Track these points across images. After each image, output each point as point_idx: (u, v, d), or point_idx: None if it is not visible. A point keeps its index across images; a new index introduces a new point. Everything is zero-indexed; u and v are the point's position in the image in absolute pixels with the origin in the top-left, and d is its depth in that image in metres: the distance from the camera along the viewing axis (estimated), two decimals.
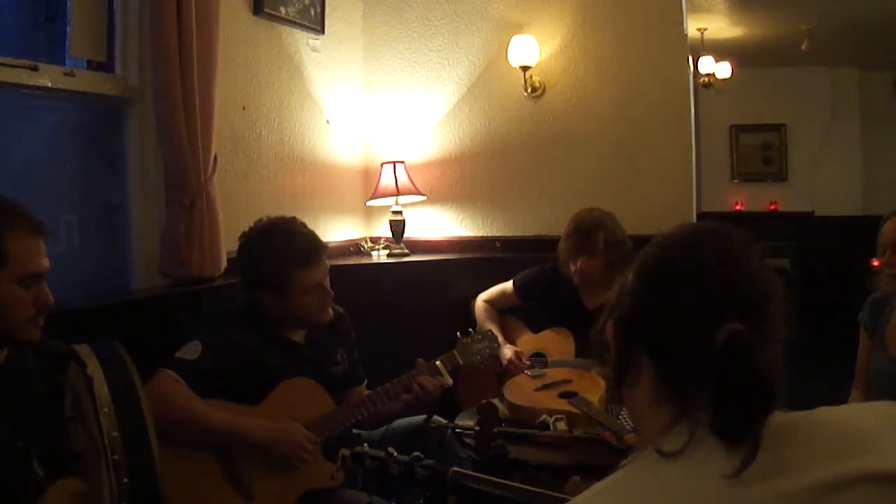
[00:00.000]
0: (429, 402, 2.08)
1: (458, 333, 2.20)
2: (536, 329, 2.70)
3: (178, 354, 1.85)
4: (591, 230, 2.50)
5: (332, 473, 1.87)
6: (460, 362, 2.13)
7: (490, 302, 2.80)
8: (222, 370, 1.87)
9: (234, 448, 1.84)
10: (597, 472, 1.09)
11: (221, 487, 1.82)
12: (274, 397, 1.93)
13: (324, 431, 1.93)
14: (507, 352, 2.52)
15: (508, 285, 2.79)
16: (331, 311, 2.07)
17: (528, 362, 2.49)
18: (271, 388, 1.93)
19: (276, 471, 1.86)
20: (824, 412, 0.80)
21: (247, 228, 2.08)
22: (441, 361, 2.10)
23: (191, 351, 1.85)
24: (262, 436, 1.83)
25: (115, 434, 1.15)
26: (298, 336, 2.08)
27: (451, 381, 2.10)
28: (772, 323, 0.79)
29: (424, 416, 2.12)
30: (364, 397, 2.06)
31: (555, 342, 2.57)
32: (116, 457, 1.14)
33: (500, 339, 2.60)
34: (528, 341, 2.66)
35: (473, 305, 2.85)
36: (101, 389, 1.18)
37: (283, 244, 1.98)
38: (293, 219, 2.08)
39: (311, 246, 2.01)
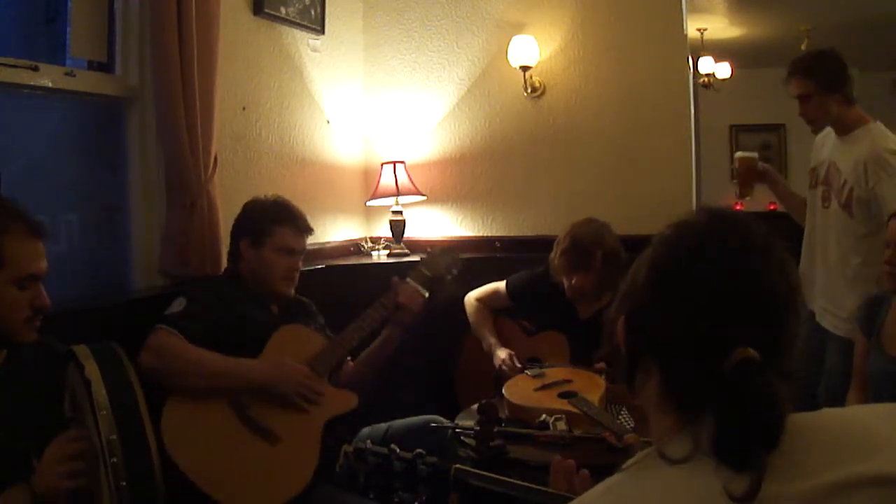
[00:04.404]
0: (413, 320, 2.19)
1: (422, 255, 2.35)
2: (531, 333, 2.70)
3: (166, 311, 1.96)
4: (589, 248, 2.45)
5: (348, 398, 1.99)
6: (428, 274, 2.26)
7: (481, 301, 2.79)
8: (210, 316, 1.97)
9: (245, 398, 1.90)
10: (597, 471, 1.09)
11: (245, 437, 1.87)
12: (271, 348, 2.00)
13: (325, 365, 2.02)
14: (501, 353, 2.52)
15: (501, 286, 2.77)
16: (293, 290, 2.18)
17: (520, 365, 2.48)
18: (260, 339, 2.01)
19: (292, 410, 1.93)
20: (829, 414, 0.78)
21: None
22: (410, 277, 2.24)
23: (177, 304, 1.98)
24: (260, 375, 1.93)
25: (114, 437, 1.15)
26: (274, 308, 2.17)
27: (426, 293, 2.23)
28: (788, 344, 0.75)
29: (426, 418, 2.14)
30: (352, 324, 2.13)
31: (550, 347, 2.56)
32: (115, 459, 1.14)
33: (494, 340, 2.61)
34: (523, 345, 2.65)
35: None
36: (100, 392, 1.18)
37: (277, 204, 2.20)
38: None
39: (301, 216, 2.20)
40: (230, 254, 2.22)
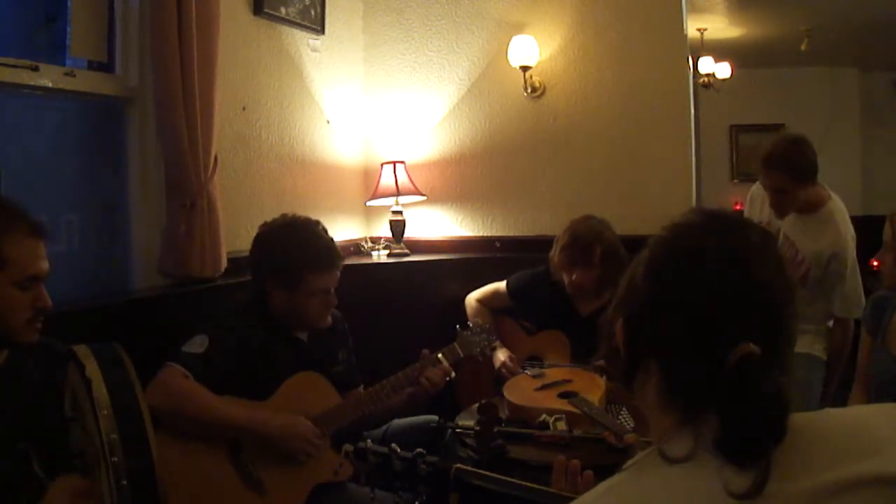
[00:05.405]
0: (431, 396, 2.12)
1: (458, 327, 2.26)
2: (531, 332, 2.70)
3: (184, 348, 1.87)
4: (588, 243, 2.46)
5: (335, 468, 1.89)
6: (461, 354, 2.18)
7: (482, 302, 2.79)
8: (229, 363, 1.89)
9: (243, 441, 1.86)
10: (597, 471, 1.09)
11: (233, 483, 1.84)
12: (282, 392, 1.95)
13: (332, 425, 1.96)
14: (501, 355, 2.52)
15: (501, 286, 2.78)
16: (330, 318, 2.10)
17: (521, 367, 2.48)
18: (278, 382, 1.95)
19: (286, 465, 1.88)
20: (830, 414, 0.78)
21: (269, 219, 2.13)
22: (443, 354, 2.15)
23: (197, 344, 1.87)
24: (271, 430, 1.86)
25: (115, 436, 1.15)
26: (302, 334, 2.11)
27: (453, 373, 2.15)
28: (788, 342, 0.76)
29: (427, 416, 2.14)
30: (371, 390, 2.08)
31: (550, 346, 2.57)
32: (115, 459, 1.14)
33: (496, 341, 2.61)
34: (524, 344, 2.65)
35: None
36: (100, 391, 1.18)
37: (305, 243, 2.02)
38: (318, 222, 2.12)
39: (331, 253, 2.05)
40: (253, 282, 2.09)
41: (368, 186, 3.41)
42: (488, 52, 3.35)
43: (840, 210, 2.55)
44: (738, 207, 6.55)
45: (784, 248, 2.53)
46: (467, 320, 2.74)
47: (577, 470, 1.12)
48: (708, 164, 6.25)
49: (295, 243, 2.02)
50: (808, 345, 2.58)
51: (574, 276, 2.48)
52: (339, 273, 2.08)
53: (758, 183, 2.74)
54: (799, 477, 0.69)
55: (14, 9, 2.35)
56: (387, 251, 3.33)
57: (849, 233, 2.52)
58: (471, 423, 1.89)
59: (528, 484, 1.12)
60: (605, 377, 2.18)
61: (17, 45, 2.24)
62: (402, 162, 3.30)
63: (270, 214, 2.18)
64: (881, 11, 4.58)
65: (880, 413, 0.79)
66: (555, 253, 2.55)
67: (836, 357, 2.58)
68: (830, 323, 2.63)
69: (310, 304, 2.02)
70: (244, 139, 2.74)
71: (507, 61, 3.20)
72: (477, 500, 1.15)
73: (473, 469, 1.20)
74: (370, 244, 3.40)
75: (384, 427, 2.17)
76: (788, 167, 2.44)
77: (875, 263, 2.14)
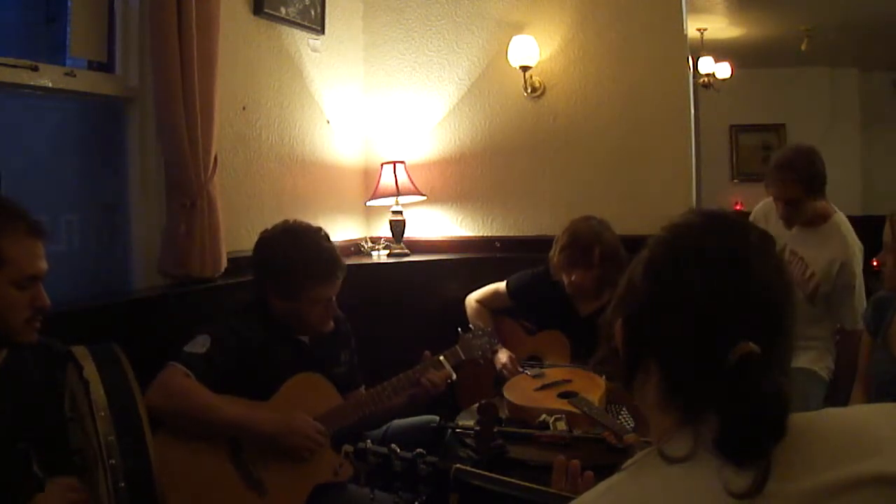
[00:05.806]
0: (433, 397, 2.12)
1: (459, 329, 2.27)
2: (531, 332, 2.70)
3: (186, 348, 1.87)
4: (587, 244, 2.46)
5: (335, 469, 1.89)
6: (463, 357, 2.19)
7: (482, 302, 2.79)
8: (231, 364, 1.89)
9: (244, 440, 1.86)
10: (597, 471, 1.09)
11: (233, 483, 1.83)
12: (284, 393, 1.95)
13: (333, 426, 1.95)
14: (502, 356, 2.52)
15: (501, 287, 2.77)
16: (332, 323, 2.10)
17: (521, 368, 2.48)
18: (279, 383, 1.95)
19: (286, 465, 1.87)
20: (830, 413, 0.79)
21: (269, 220, 2.12)
22: (444, 356, 2.15)
23: (199, 344, 1.87)
24: (271, 428, 1.86)
25: (112, 438, 1.15)
26: (304, 336, 2.11)
27: (454, 375, 2.15)
28: (788, 342, 0.76)
29: (427, 416, 2.14)
30: (372, 391, 2.08)
31: (550, 346, 2.57)
32: (113, 461, 1.14)
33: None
34: (524, 345, 2.65)
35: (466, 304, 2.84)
36: (98, 393, 1.18)
37: (306, 254, 2.00)
38: (319, 229, 2.10)
39: (332, 263, 2.03)
40: (253, 285, 2.10)
41: (368, 186, 3.41)
42: (488, 52, 3.35)
43: (845, 223, 2.56)
44: (738, 207, 6.59)
45: (792, 265, 2.52)
46: (467, 321, 2.75)
47: (577, 470, 1.12)
48: (708, 164, 6.24)
49: (296, 253, 2.00)
50: (812, 361, 2.57)
51: (573, 277, 2.48)
52: (340, 282, 2.07)
53: (758, 206, 2.74)
54: (799, 477, 0.69)
55: (14, 9, 2.35)
56: (387, 251, 3.33)
57: (856, 244, 2.53)
58: (471, 423, 1.89)
59: (528, 484, 1.12)
60: (604, 377, 2.18)
61: (17, 45, 2.25)
62: (402, 162, 3.30)
63: (270, 214, 2.18)
64: (881, 11, 4.57)
65: (880, 413, 0.79)
66: (554, 253, 2.55)
67: (844, 372, 2.55)
68: (837, 337, 2.62)
69: (310, 311, 2.03)
70: (244, 139, 2.74)
71: (507, 61, 3.20)
72: (477, 500, 1.15)
73: (473, 469, 1.20)
74: (370, 244, 3.40)
75: (384, 427, 2.17)
76: (800, 174, 2.45)
77: (875, 264, 2.14)
